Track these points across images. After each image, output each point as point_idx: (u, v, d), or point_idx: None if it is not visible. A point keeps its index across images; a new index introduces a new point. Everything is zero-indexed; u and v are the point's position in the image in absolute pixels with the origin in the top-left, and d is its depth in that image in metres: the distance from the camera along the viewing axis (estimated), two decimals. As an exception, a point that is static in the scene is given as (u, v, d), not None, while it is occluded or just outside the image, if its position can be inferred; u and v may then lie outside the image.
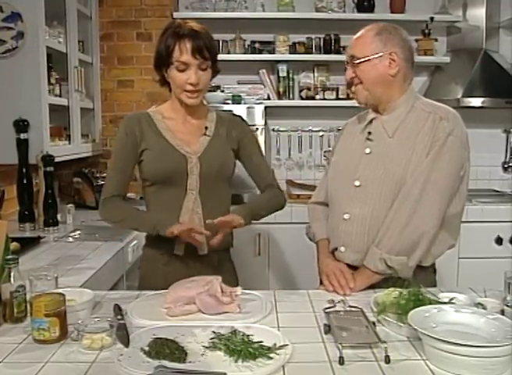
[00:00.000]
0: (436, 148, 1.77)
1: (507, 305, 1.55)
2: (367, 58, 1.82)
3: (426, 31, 4.00)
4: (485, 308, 1.48)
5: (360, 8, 3.98)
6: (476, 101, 3.84)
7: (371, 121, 1.91)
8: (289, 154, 4.23)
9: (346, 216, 1.88)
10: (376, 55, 1.82)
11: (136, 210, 2.00)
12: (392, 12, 4.00)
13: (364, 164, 1.88)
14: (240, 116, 2.15)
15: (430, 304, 1.45)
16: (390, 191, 1.81)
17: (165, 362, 1.23)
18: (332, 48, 4.02)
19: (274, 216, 3.51)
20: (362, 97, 1.89)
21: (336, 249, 1.93)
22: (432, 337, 1.22)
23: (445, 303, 1.48)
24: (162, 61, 1.89)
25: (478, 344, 1.18)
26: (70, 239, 2.68)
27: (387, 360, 1.25)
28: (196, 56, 1.84)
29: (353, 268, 1.87)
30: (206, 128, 2.01)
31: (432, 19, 3.90)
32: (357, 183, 1.87)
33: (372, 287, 1.79)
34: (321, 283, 1.91)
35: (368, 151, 1.88)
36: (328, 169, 2.08)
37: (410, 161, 1.79)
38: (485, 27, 4.03)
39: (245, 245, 3.56)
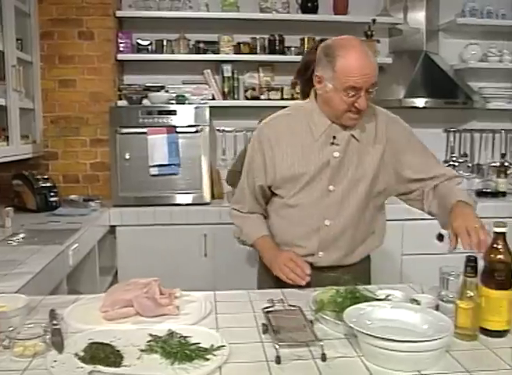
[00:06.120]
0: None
1: (442, 300, 1.59)
2: None
3: (368, 33, 4.05)
4: (419, 303, 1.52)
5: (304, 9, 4.02)
6: (418, 102, 3.94)
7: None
8: (235, 154, 4.21)
9: (327, 222, 1.87)
10: None
11: None
12: (335, 14, 4.05)
13: (335, 168, 1.84)
14: None
15: (366, 301, 1.47)
16: (365, 190, 1.86)
17: (100, 367, 1.21)
18: (277, 48, 4.04)
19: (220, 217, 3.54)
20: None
21: (313, 255, 1.91)
22: (365, 333, 1.24)
23: (381, 300, 1.51)
24: None
25: (409, 339, 1.20)
26: (9, 243, 2.59)
27: (323, 358, 1.27)
28: None
29: (328, 268, 1.89)
30: None
31: (374, 21, 3.96)
32: (331, 187, 1.86)
33: (323, 285, 1.72)
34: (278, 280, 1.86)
35: (336, 154, 1.84)
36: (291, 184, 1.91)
37: (381, 158, 1.87)
38: (426, 30, 4.15)
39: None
